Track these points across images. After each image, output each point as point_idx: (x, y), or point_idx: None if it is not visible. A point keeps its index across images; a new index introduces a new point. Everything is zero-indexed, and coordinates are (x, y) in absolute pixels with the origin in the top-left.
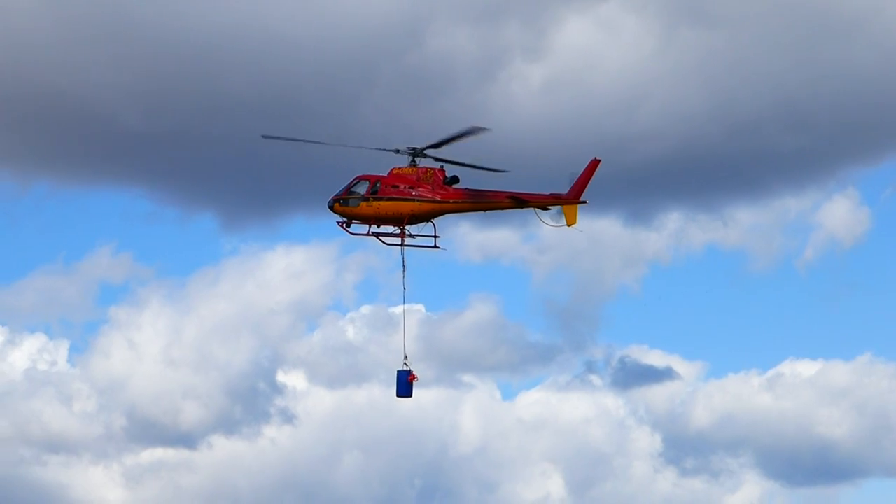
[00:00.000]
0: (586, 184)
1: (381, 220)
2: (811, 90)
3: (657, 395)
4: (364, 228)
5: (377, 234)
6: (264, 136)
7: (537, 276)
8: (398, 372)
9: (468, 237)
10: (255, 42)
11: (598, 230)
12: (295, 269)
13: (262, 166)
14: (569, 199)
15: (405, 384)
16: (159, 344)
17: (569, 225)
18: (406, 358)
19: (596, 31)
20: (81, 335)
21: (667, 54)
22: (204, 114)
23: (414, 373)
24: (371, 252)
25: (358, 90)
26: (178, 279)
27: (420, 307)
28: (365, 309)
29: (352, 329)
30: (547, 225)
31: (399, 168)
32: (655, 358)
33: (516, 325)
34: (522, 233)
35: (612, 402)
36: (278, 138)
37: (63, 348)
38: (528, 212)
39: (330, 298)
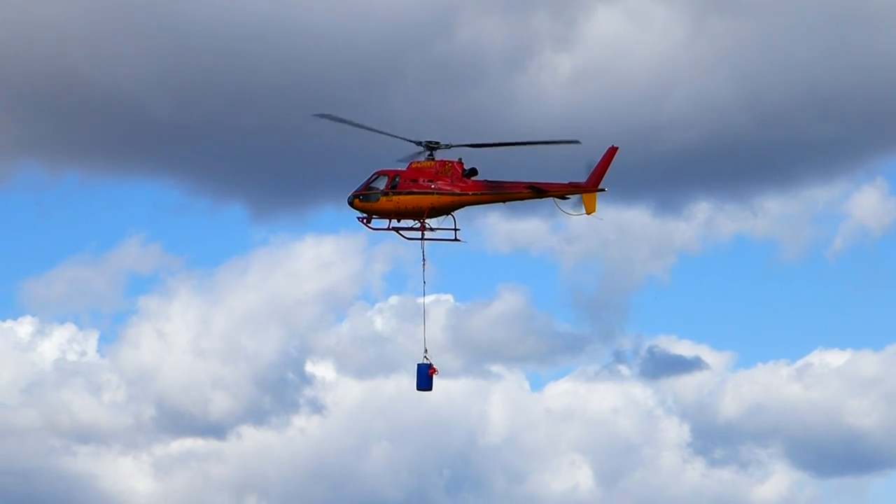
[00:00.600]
0: (604, 172)
1: (401, 214)
2: (841, 79)
3: (686, 385)
4: (384, 223)
5: (397, 229)
6: (319, 115)
7: (566, 267)
8: (418, 365)
9: (497, 227)
10: (284, 33)
11: (626, 220)
12: (323, 259)
13: (291, 157)
14: (587, 188)
15: (425, 377)
16: (188, 334)
17: (588, 213)
18: (426, 351)
19: (625, 21)
20: (111, 326)
21: (696, 44)
22: (234, 104)
23: (434, 366)
24: (399, 243)
25: (387, 80)
26: (207, 269)
27: (449, 297)
28: (393, 299)
29: (380, 319)
30: (566, 214)
31: (418, 162)
32: (684, 348)
33: (545, 315)
34: (551, 223)
35: (641, 393)
36: (334, 119)
37: (92, 339)
38: (554, 201)
39: (358, 289)
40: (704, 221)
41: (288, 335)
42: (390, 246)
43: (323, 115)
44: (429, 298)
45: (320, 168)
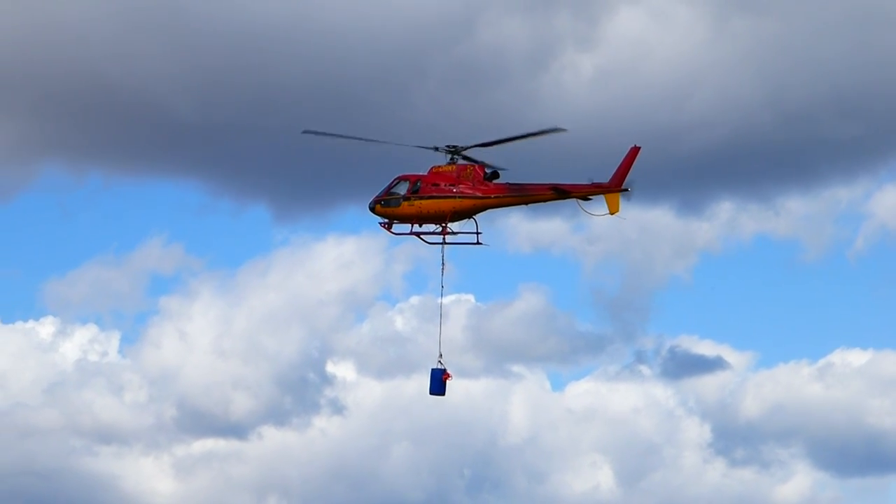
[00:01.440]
0: (627, 171)
1: (422, 218)
2: (863, 77)
3: (707, 385)
4: (406, 228)
5: (419, 234)
6: (305, 132)
7: (587, 267)
8: (432, 370)
9: (518, 227)
10: (307, 33)
11: (649, 220)
12: (344, 259)
13: (315, 157)
14: (610, 188)
15: (439, 382)
16: (210, 335)
17: (612, 213)
18: (441, 356)
19: (647, 21)
20: (132, 326)
21: (718, 43)
22: (257, 105)
23: (448, 372)
24: (420, 243)
25: (409, 81)
26: (228, 270)
27: (470, 297)
28: (414, 299)
29: (401, 320)
30: (590, 214)
31: (438, 166)
32: (705, 348)
33: (566, 315)
34: (572, 223)
35: (662, 393)
36: (319, 133)
37: (114, 339)
38: (577, 202)
39: (379, 289)
40: (726, 221)
41: (309, 335)
42: (411, 246)
43: (310, 132)
44: (449, 298)
45: (343, 168)
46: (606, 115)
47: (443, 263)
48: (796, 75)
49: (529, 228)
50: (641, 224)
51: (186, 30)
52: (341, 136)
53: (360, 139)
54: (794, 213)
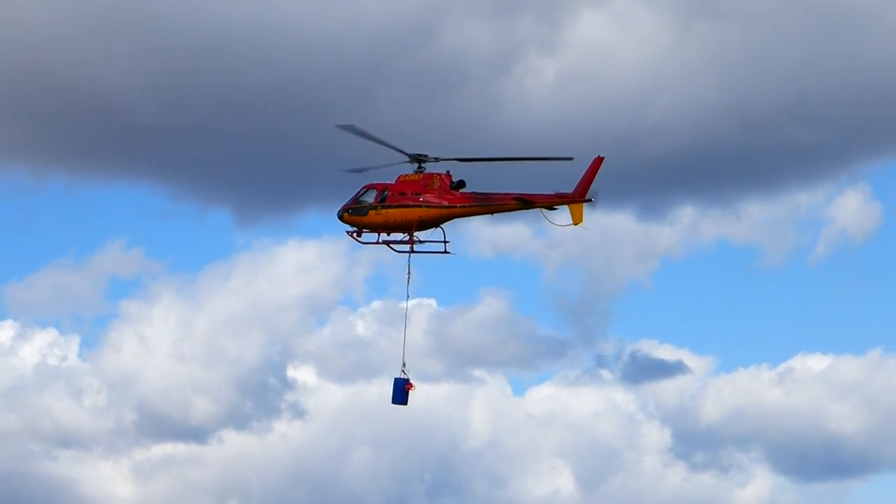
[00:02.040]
0: (591, 182)
1: (390, 227)
2: (824, 84)
3: (667, 389)
4: (374, 237)
5: (387, 243)
6: (339, 127)
7: (548, 271)
8: (395, 379)
9: (479, 232)
10: (269, 37)
11: (610, 225)
12: (306, 263)
13: (277, 161)
14: (574, 198)
15: (401, 391)
16: (170, 339)
17: (575, 224)
18: (404, 366)
19: (610, 26)
20: (92, 330)
21: (681, 48)
22: (219, 108)
23: (412, 382)
24: (382, 248)
25: (372, 85)
26: (189, 274)
27: (431, 302)
28: (376, 304)
29: (362, 324)
30: (553, 225)
31: (406, 175)
32: (666, 352)
33: (527, 319)
34: (534, 228)
35: (622, 397)
36: (353, 131)
37: (74, 343)
38: (541, 212)
39: (340, 293)
40: (688, 226)
41: (269, 340)
42: (373, 251)
43: (344, 127)
44: (411, 303)
45: (306, 172)
46: (569, 120)
47: (409, 272)
48: (758, 81)
49: (491, 233)
50: (603, 229)
51: (149, 31)
52: (377, 141)
53: (390, 146)
54: (755, 219)
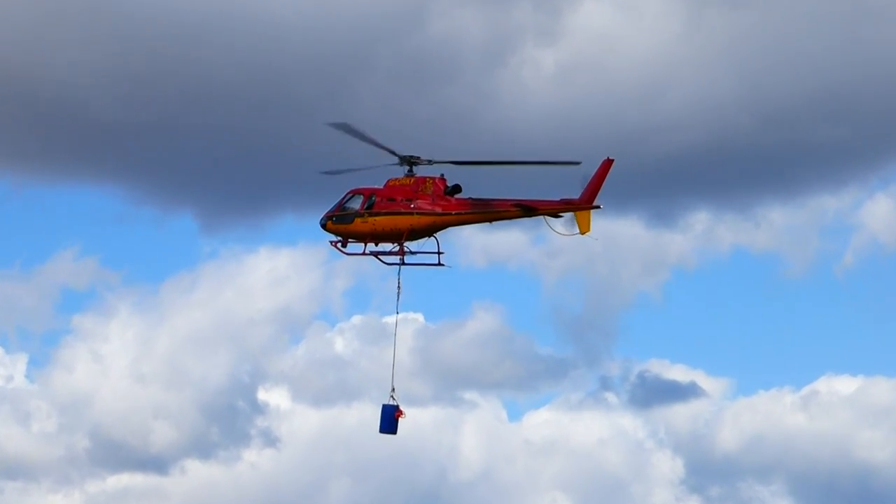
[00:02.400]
0: (599, 186)
1: (378, 237)
2: (852, 75)
3: (680, 414)
4: (361, 247)
5: (375, 254)
6: (332, 125)
7: (547, 283)
8: (384, 406)
9: (472, 240)
10: (242, 23)
11: (616, 232)
12: (279, 274)
13: (247, 160)
14: (581, 205)
15: (390, 419)
16: (128, 357)
17: (582, 233)
18: (393, 391)
19: (615, 12)
20: (41, 348)
21: (692, 37)
22: (184, 102)
23: (402, 409)
24: (368, 259)
25: (352, 77)
26: (149, 285)
27: (418, 316)
28: (356, 319)
29: (341, 341)
30: (558, 234)
31: (395, 179)
32: (678, 373)
33: (524, 336)
34: (531, 235)
35: (630, 423)
36: (346, 129)
37: (21, 362)
38: (544, 220)
39: (317, 307)
40: (702, 233)
41: (238, 358)
42: (353, 261)
43: (336, 126)
44: (395, 317)
45: (280, 172)
46: (570, 117)
47: (398, 287)
48: (778, 73)
49: (484, 241)
50: (608, 236)
51: (105, 15)
52: (370, 141)
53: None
54: (776, 225)
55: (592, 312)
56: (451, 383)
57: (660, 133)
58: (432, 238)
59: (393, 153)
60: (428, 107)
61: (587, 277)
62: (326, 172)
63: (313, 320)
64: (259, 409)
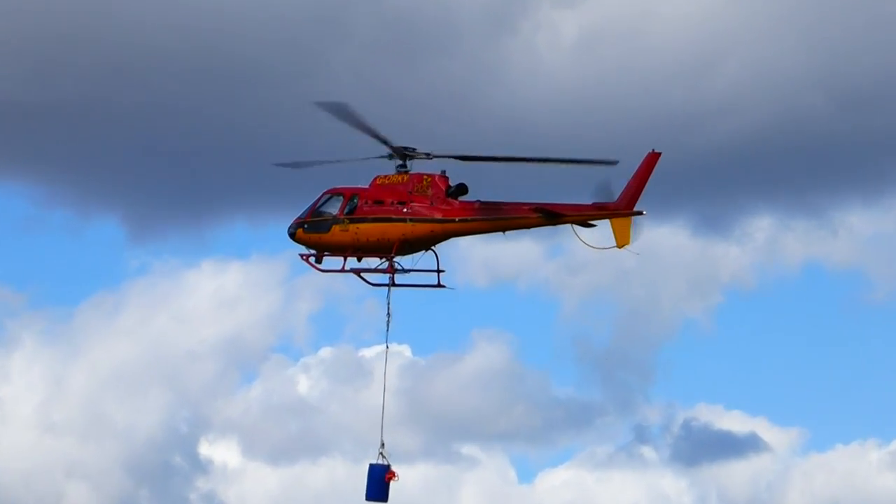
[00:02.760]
0: (642, 187)
1: (362, 249)
2: None
3: (737, 474)
4: (340, 262)
5: (358, 272)
6: (321, 104)
7: (567, 307)
8: (370, 466)
9: (471, 251)
10: None
11: (654, 242)
12: (227, 294)
13: (188, 153)
14: (619, 210)
15: (379, 484)
16: (33, 400)
17: (620, 246)
18: (383, 446)
19: None
20: None
21: None
22: (108, 77)
23: (393, 470)
24: (348, 277)
25: (323, 46)
26: (62, 309)
27: (404, 348)
28: (325, 352)
29: (306, 381)
30: (589, 247)
31: (385, 176)
32: (734, 422)
33: (537, 374)
34: (546, 245)
35: (673, 485)
36: (340, 113)
37: None
38: (572, 229)
39: (276, 336)
40: (763, 244)
41: (175, 402)
42: (322, 277)
43: (329, 106)
44: (374, 350)
45: (228, 166)
46: (595, 96)
47: (388, 314)
48: (859, 43)
49: (487, 253)
50: (645, 247)
51: None
52: (366, 129)
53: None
54: (857, 233)
55: (625, 344)
56: (445, 434)
57: (710, 118)
58: (430, 252)
59: (386, 143)
60: (418, 84)
61: (618, 300)
62: (283, 165)
63: (271, 353)
64: (201, 466)
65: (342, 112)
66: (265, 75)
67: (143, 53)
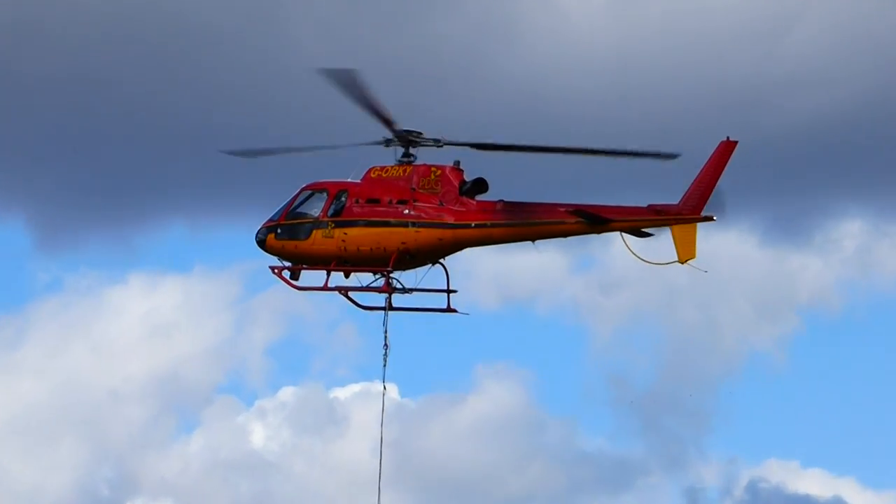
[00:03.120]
0: (713, 185)
1: (350, 261)
2: None
3: None
4: (322, 278)
5: (345, 291)
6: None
7: (599, 335)
8: None
9: (477, 263)
10: None
11: (713, 252)
12: (161, 317)
13: (112, 137)
14: (683, 214)
15: None
16: None
17: (682, 260)
18: None
19: None
20: None
21: None
22: (11, 49)
23: None
24: (324, 296)
25: (293, 8)
26: None
27: (391, 388)
28: (286, 393)
29: (262, 430)
30: (643, 262)
31: (381, 168)
32: (813, 483)
33: (562, 423)
34: (572, 256)
35: None
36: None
37: None
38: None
39: (222, 373)
40: (853, 254)
41: (94, 457)
42: (281, 293)
43: (336, 74)
44: (353, 389)
45: (163, 154)
46: (635, 65)
47: (385, 346)
48: None
49: (496, 265)
50: (700, 258)
51: None
52: (369, 106)
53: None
54: None
55: (674, 383)
56: (443, 498)
57: (784, 93)
58: (438, 265)
59: (389, 125)
60: (414, 52)
61: (664, 326)
62: (232, 153)
63: (217, 395)
64: None
65: (349, 82)
66: (207, 38)
67: (50, 12)
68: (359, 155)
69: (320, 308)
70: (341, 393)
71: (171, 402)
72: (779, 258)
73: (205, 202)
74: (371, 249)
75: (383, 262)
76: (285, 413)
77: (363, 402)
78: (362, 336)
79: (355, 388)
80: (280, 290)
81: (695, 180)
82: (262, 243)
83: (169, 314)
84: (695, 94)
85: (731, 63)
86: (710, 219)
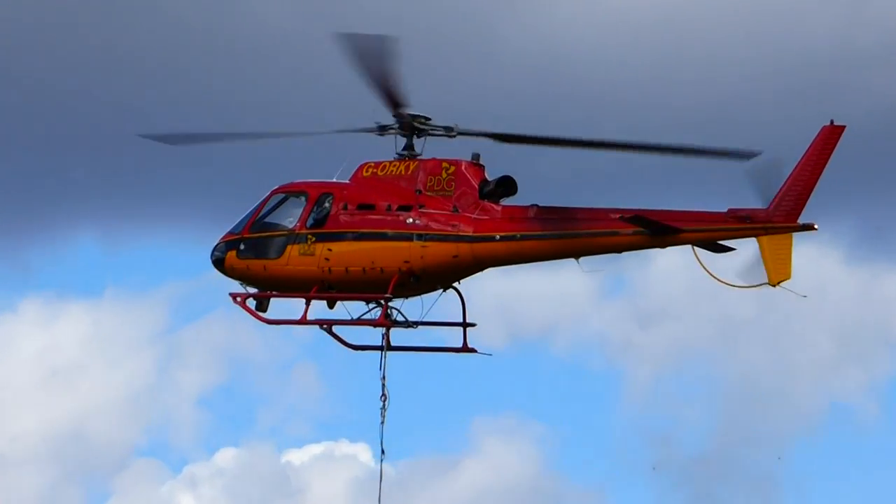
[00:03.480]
0: (814, 183)
1: (336, 286)
2: None
3: None
4: (298, 309)
5: (328, 324)
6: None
7: (635, 380)
8: None
9: (484, 283)
10: None
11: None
12: (65, 355)
13: (16, 131)
14: (774, 222)
15: None
16: None
17: (774, 282)
18: None
19: None
20: None
21: None
22: None
23: None
24: (288, 329)
25: None
26: None
27: (360, 449)
28: (226, 455)
29: (192, 503)
30: (722, 283)
31: (376, 164)
32: None
33: (583, 491)
34: (602, 272)
35: None
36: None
37: None
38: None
39: (145, 428)
40: None
41: None
42: (232, 319)
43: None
44: (316, 449)
45: (67, 145)
46: (670, 41)
47: (383, 395)
48: None
49: (503, 287)
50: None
51: None
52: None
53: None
54: None
55: (729, 444)
56: None
57: (868, 67)
58: (452, 289)
59: (398, 107)
60: (425, 18)
61: (718, 369)
62: (152, 138)
63: (137, 457)
64: None
65: (381, 50)
66: (195, 35)
67: None
68: (345, 146)
69: (273, 343)
70: (297, 456)
71: (74, 469)
72: (870, 272)
73: (120, 207)
74: (363, 270)
75: (379, 286)
76: (223, 482)
77: (325, 468)
78: (325, 379)
79: (316, 449)
80: (221, 321)
81: (790, 177)
82: (219, 263)
83: (72, 352)
84: (767, 73)
85: (802, 33)
86: (810, 227)
